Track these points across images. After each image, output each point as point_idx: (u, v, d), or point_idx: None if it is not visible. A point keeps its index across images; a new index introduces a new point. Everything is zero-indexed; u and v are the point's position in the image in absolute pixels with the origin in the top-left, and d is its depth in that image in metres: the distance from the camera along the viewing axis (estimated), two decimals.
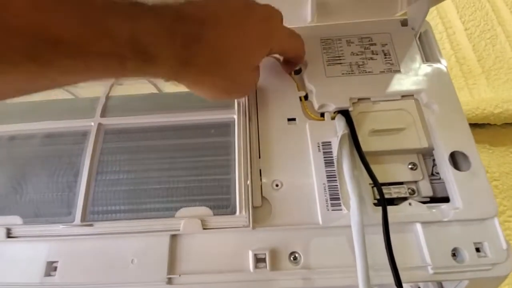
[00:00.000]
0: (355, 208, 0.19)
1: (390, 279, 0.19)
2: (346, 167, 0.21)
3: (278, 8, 0.21)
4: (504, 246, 0.19)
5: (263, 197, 0.22)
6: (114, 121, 0.24)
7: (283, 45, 0.22)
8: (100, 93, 0.27)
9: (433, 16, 0.62)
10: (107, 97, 0.26)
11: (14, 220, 0.22)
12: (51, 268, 0.21)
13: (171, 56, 0.15)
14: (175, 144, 0.24)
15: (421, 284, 0.25)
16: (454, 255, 0.20)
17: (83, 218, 0.21)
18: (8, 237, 0.21)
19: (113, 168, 0.23)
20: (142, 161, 0.23)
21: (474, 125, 0.47)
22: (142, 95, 0.30)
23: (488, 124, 0.47)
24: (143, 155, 0.23)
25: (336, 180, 0.21)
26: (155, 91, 0.31)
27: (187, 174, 0.23)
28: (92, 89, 0.30)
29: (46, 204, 0.22)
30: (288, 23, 0.22)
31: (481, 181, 0.21)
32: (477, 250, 0.20)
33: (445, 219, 0.20)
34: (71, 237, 0.21)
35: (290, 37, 0.23)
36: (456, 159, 0.23)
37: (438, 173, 0.23)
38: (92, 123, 0.24)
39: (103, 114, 0.24)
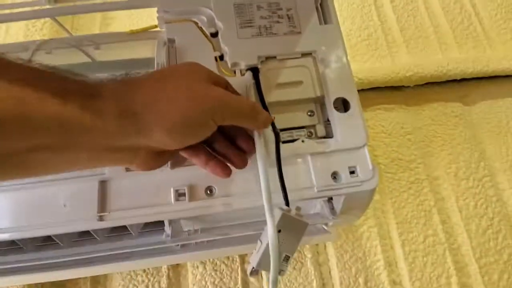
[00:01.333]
0: (259, 145, 0.23)
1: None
2: None
3: None
4: (371, 167, 0.25)
5: None
6: None
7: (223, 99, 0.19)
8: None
9: None
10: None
11: None
12: None
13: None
14: None
15: (319, 206, 0.31)
16: (335, 178, 0.25)
17: None
18: None
19: None
20: None
21: (392, 88, 0.54)
22: (72, 65, 0.31)
23: (404, 86, 0.54)
24: None
25: None
26: (85, 60, 0.32)
27: None
28: None
29: None
30: None
31: (356, 119, 0.26)
32: (352, 172, 0.25)
33: (327, 150, 0.25)
34: (2, 188, 0.23)
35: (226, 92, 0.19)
36: (344, 105, 0.28)
37: None
38: None
39: None
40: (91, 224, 0.23)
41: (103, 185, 0.24)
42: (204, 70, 0.19)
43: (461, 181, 0.51)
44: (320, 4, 0.31)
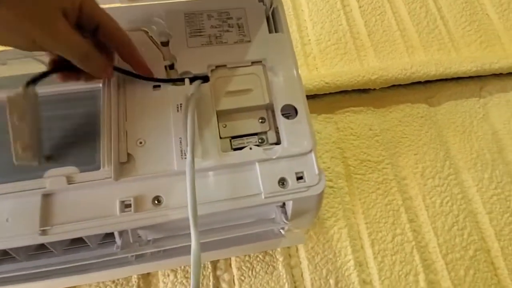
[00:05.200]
0: (188, 153, 0.23)
1: (217, 209, 0.24)
2: (189, 122, 0.25)
3: None
4: (317, 172, 0.25)
5: (128, 154, 0.25)
6: None
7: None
8: None
9: None
10: None
11: None
12: None
13: None
14: (46, 116, 0.25)
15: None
16: (282, 184, 0.25)
17: None
18: None
19: None
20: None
21: (360, 91, 0.56)
22: (22, 75, 0.30)
23: (371, 89, 0.55)
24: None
25: None
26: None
27: (57, 143, 0.25)
28: None
29: None
30: None
31: (303, 126, 0.26)
32: (300, 178, 0.26)
33: (274, 157, 0.25)
34: None
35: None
36: (290, 111, 0.28)
37: None
38: None
39: None
40: (33, 239, 0.22)
41: (46, 199, 0.23)
42: None
43: (427, 180, 0.52)
44: (272, 13, 0.31)
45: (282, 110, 0.27)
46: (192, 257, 0.19)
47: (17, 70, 0.34)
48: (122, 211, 0.24)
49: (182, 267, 0.43)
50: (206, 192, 0.24)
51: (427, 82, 0.57)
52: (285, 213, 0.28)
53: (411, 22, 0.64)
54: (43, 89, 0.26)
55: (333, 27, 0.61)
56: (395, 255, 0.47)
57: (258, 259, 0.46)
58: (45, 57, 0.24)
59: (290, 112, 0.28)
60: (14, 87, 0.27)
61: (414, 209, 0.51)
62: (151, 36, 0.29)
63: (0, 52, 0.33)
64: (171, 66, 0.28)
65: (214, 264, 0.44)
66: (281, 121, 0.26)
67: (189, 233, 0.21)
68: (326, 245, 0.48)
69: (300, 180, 0.25)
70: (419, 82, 0.56)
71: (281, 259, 0.46)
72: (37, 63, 0.33)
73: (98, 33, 0.23)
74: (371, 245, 0.48)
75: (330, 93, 0.55)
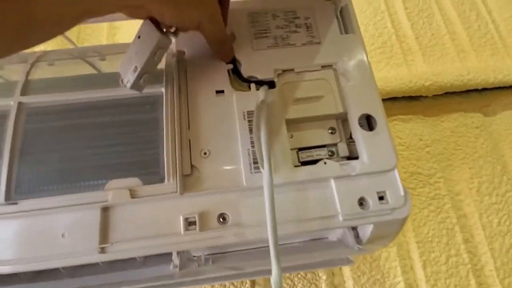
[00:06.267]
0: (266, 168, 0.20)
1: (289, 231, 0.21)
2: (262, 132, 0.22)
3: None
4: (402, 193, 0.22)
5: (192, 165, 0.23)
6: (36, 99, 0.24)
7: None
8: (22, 72, 0.26)
9: None
10: (28, 74, 0.25)
11: None
12: None
13: None
14: (104, 122, 0.24)
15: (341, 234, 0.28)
16: (361, 204, 0.22)
17: (8, 197, 0.21)
18: None
19: (39, 149, 0.23)
20: (70, 140, 0.23)
21: (409, 98, 0.52)
22: (71, 76, 0.29)
23: (421, 96, 0.52)
24: (70, 134, 0.23)
25: None
26: (91, 71, 0.30)
27: (117, 151, 0.23)
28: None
29: None
30: None
31: (384, 139, 0.23)
32: (381, 198, 0.22)
33: (353, 173, 0.22)
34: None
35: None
36: (368, 121, 0.25)
37: None
38: (12, 102, 0.23)
39: (23, 93, 0.24)
40: (92, 257, 0.20)
41: (105, 213, 0.21)
42: None
43: (484, 196, 0.48)
44: (340, 13, 0.28)
45: (359, 120, 0.24)
46: None
47: (64, 72, 0.33)
48: (186, 229, 0.21)
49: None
50: (276, 212, 0.22)
51: (483, 90, 0.53)
52: (357, 236, 0.25)
53: (461, 26, 0.59)
54: (101, 93, 0.25)
55: (377, 30, 0.58)
56: (449, 278, 0.43)
57: (299, 276, 0.43)
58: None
59: (365, 122, 0.25)
60: (62, 88, 0.25)
61: (470, 228, 0.46)
62: None
63: (48, 52, 0.32)
64: (233, 70, 0.26)
65: (253, 280, 0.42)
66: (358, 132, 0.24)
67: (252, 248, 0.19)
68: (373, 264, 0.44)
69: (382, 201, 0.22)
70: (474, 90, 0.52)
71: (324, 277, 0.43)
72: (84, 64, 0.32)
73: None
74: (422, 266, 0.44)
75: None
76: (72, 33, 0.59)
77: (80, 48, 0.36)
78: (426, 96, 0.51)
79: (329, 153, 0.25)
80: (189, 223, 0.22)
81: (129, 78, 0.21)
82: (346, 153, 0.25)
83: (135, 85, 0.22)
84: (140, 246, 0.21)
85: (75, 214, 0.21)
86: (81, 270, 0.26)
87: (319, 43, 0.26)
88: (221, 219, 0.22)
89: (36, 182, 0.22)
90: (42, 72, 0.28)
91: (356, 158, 0.24)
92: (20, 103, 0.23)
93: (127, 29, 0.61)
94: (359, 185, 0.22)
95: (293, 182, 0.22)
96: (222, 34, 0.24)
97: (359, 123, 0.24)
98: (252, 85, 0.25)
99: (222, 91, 0.25)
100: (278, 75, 0.26)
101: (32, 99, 0.24)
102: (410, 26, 0.59)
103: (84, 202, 0.21)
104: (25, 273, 0.25)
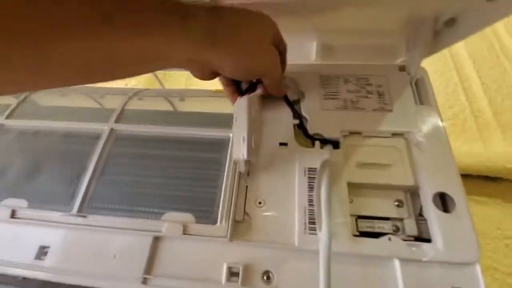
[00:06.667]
0: (325, 232, 0.19)
1: None
2: (323, 192, 0.21)
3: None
4: None
5: (245, 213, 0.23)
6: (125, 128, 0.27)
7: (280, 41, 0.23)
8: (119, 103, 0.30)
9: (449, 68, 0.63)
10: (124, 107, 0.29)
11: (20, 203, 0.24)
12: (42, 252, 0.22)
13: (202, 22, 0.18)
14: (174, 155, 0.26)
15: None
16: None
17: (80, 210, 0.23)
18: (12, 217, 0.23)
19: (116, 170, 0.25)
20: (142, 167, 0.26)
21: (486, 178, 0.46)
22: (157, 111, 0.33)
23: (501, 178, 0.45)
24: (144, 162, 0.26)
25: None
26: (168, 109, 0.34)
27: (180, 184, 0.24)
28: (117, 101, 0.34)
29: (52, 193, 0.25)
30: (294, 59, 0.25)
31: (465, 224, 0.20)
32: None
33: (424, 259, 0.20)
34: (65, 225, 0.23)
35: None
36: (443, 201, 0.22)
37: None
38: (106, 127, 0.27)
39: (117, 121, 0.28)
40: (133, 285, 0.21)
41: (156, 243, 0.22)
42: (272, 28, 0.23)
43: None
44: (416, 83, 0.28)
45: (433, 197, 0.22)
46: None
47: (150, 106, 0.38)
48: (228, 279, 0.20)
49: None
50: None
51: None
52: None
53: None
54: (177, 130, 0.27)
55: (449, 101, 0.55)
56: None
57: None
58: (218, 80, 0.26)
59: (438, 200, 0.22)
60: (146, 120, 0.29)
61: None
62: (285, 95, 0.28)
63: (142, 90, 0.38)
64: (299, 125, 0.27)
65: None
66: (432, 211, 0.21)
67: None
68: None
69: None
70: None
71: None
72: (165, 102, 0.36)
73: None
74: None
75: None
76: (159, 72, 0.69)
77: (166, 90, 0.41)
78: (507, 179, 0.45)
79: (394, 228, 0.23)
80: (232, 274, 0.21)
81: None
82: (415, 232, 0.22)
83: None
84: (180, 286, 0.20)
85: (130, 238, 0.22)
86: None
87: (391, 110, 0.26)
88: (265, 277, 0.21)
89: (106, 201, 0.24)
90: (131, 104, 0.33)
91: (427, 240, 0.21)
92: (112, 129, 0.27)
93: None
94: (430, 274, 0.19)
95: (352, 254, 0.20)
96: (280, 80, 0.25)
97: (437, 203, 0.22)
98: (317, 143, 0.25)
99: (286, 144, 0.25)
100: (344, 136, 0.25)
101: (122, 127, 0.27)
102: (487, 101, 0.55)
103: (140, 228, 0.22)
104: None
